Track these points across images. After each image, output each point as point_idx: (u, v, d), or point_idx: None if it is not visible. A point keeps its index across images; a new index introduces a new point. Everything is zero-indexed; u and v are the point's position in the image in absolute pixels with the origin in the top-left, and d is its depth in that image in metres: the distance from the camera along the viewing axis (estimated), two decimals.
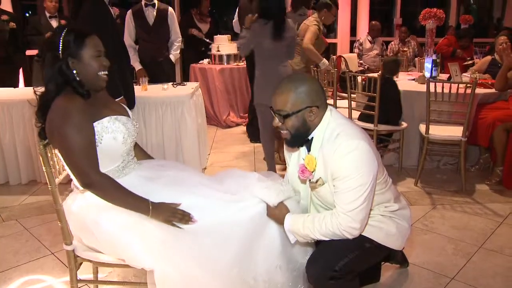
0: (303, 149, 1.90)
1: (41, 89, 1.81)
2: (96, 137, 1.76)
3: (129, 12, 4.66)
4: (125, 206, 1.75)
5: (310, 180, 1.87)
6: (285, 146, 2.07)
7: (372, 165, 1.72)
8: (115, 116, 1.84)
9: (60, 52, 1.75)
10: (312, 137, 1.83)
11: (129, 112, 2.01)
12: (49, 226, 3.10)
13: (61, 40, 1.75)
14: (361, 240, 1.82)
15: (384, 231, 1.89)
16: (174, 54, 4.86)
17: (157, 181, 1.91)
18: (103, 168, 1.81)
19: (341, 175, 1.71)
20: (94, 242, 1.84)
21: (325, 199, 1.85)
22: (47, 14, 5.22)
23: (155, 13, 4.64)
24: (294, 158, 1.98)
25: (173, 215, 1.74)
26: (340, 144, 1.71)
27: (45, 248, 2.82)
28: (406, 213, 2.00)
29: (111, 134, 1.80)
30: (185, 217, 1.74)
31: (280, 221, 1.84)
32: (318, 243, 1.91)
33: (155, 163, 2.11)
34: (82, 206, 1.80)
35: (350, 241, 1.76)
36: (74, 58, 1.76)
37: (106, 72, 1.85)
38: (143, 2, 4.62)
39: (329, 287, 1.78)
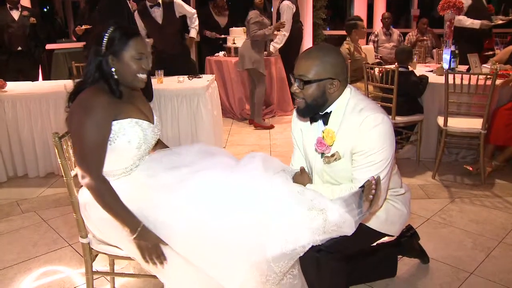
0: (320, 123, 1.84)
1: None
2: (112, 136, 1.72)
3: (135, 13, 4.54)
4: (115, 216, 1.69)
5: (324, 154, 1.82)
6: (293, 122, 2.00)
7: (393, 141, 1.72)
8: (136, 120, 1.78)
9: (103, 47, 1.72)
10: (331, 111, 1.79)
11: (155, 118, 1.94)
12: (66, 218, 3.14)
13: (106, 36, 1.72)
14: None
15: (380, 218, 1.86)
16: (193, 28, 4.95)
17: (157, 177, 1.81)
18: (110, 167, 1.77)
19: (364, 149, 1.69)
20: (104, 237, 1.85)
21: (337, 174, 1.82)
22: (8, 5, 5.19)
23: (161, 11, 4.61)
24: (310, 132, 1.90)
25: (151, 250, 1.68)
26: (367, 117, 1.69)
27: (62, 240, 2.85)
28: (408, 196, 1.99)
29: (127, 136, 1.75)
30: (158, 259, 1.69)
31: None
32: None
33: (168, 153, 1.96)
34: (88, 202, 1.78)
35: None
36: (114, 57, 1.72)
37: (145, 75, 1.79)
38: (147, 4, 4.58)
39: (316, 260, 1.73)
